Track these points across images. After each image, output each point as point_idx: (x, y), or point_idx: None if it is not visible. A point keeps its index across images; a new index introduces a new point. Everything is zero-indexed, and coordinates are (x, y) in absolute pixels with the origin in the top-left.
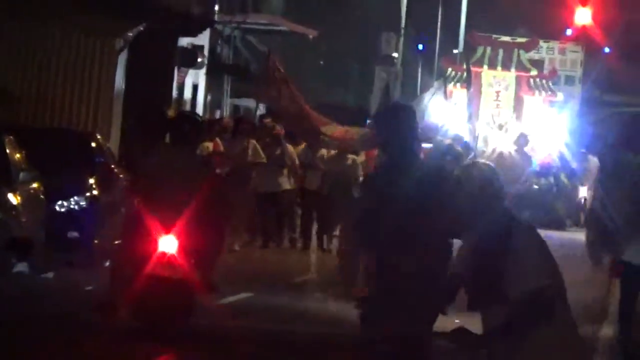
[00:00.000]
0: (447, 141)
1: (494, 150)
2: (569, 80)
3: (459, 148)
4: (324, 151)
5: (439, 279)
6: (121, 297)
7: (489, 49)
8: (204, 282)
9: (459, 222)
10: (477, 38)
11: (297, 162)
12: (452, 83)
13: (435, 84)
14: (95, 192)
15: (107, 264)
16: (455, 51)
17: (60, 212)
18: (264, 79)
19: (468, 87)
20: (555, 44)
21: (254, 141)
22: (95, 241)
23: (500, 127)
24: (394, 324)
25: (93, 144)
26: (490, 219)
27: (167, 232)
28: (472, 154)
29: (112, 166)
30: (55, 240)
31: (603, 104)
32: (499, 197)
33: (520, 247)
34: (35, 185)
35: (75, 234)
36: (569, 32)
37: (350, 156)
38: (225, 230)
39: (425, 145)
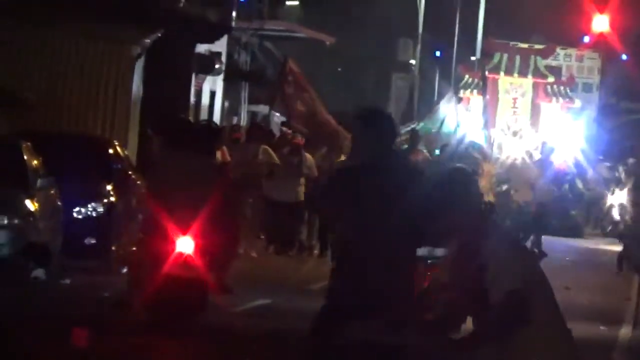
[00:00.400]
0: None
1: (508, 157)
2: (587, 87)
3: (476, 154)
4: (344, 157)
5: (402, 282)
6: (139, 294)
7: (505, 56)
8: (218, 282)
9: (436, 226)
10: (493, 44)
11: (315, 172)
12: (469, 90)
13: (450, 91)
14: (112, 199)
15: (124, 270)
16: (472, 58)
17: (77, 219)
18: (279, 84)
19: (484, 94)
20: (573, 51)
21: (265, 146)
22: (113, 247)
23: (515, 133)
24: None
25: (110, 151)
26: (466, 223)
27: (184, 233)
28: (488, 160)
29: (129, 172)
30: (72, 246)
31: (620, 111)
32: (475, 200)
33: (495, 249)
34: (52, 191)
35: (92, 240)
36: (586, 39)
37: None
38: (239, 234)
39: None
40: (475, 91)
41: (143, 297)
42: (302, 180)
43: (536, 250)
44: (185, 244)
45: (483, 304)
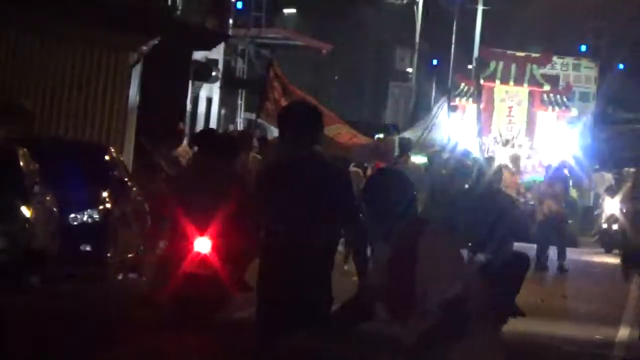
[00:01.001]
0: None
1: (499, 167)
2: (583, 96)
3: (468, 163)
4: None
5: (318, 274)
6: (162, 292)
7: (501, 64)
8: (235, 280)
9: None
10: (489, 53)
11: None
12: (465, 98)
13: (443, 98)
14: (108, 205)
15: (120, 277)
16: (470, 67)
17: (73, 225)
18: (264, 91)
19: (478, 102)
20: (570, 60)
21: (255, 154)
22: (109, 254)
23: (507, 142)
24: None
25: (106, 157)
26: (401, 225)
27: (202, 234)
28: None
29: (126, 179)
30: (68, 253)
31: (617, 121)
32: (409, 204)
33: (432, 255)
34: (48, 197)
35: (88, 247)
36: (583, 48)
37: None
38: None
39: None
40: (470, 99)
41: (166, 294)
42: None
43: (560, 262)
44: (202, 244)
45: (412, 308)
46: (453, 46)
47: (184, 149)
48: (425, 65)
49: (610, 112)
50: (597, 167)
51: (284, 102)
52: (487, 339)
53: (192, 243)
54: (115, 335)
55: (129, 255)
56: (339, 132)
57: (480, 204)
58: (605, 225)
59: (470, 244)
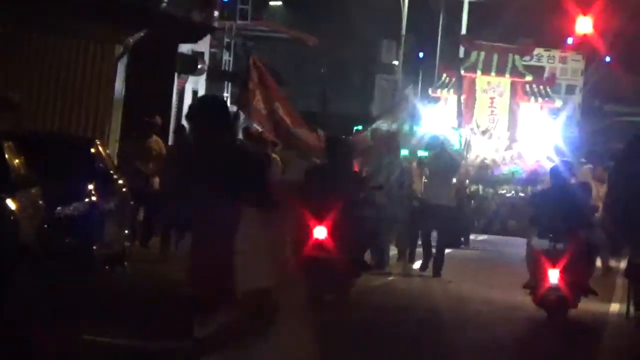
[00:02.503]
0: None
1: (477, 157)
2: (570, 89)
3: (451, 154)
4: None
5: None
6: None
7: (482, 54)
8: (352, 262)
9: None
10: (471, 43)
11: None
12: (446, 89)
13: (408, 88)
14: (94, 199)
15: (107, 268)
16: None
17: (59, 219)
18: (245, 84)
19: (458, 94)
20: (556, 53)
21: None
22: (94, 247)
23: (484, 132)
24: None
25: (92, 150)
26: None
27: (320, 223)
28: (462, 161)
29: (111, 172)
30: (54, 246)
31: (603, 114)
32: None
33: (247, 246)
34: (34, 191)
35: (74, 241)
36: (570, 40)
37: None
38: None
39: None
40: (451, 90)
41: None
42: None
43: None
44: (320, 231)
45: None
46: (440, 39)
47: (156, 141)
48: (412, 58)
49: (596, 104)
50: (583, 160)
51: (258, 95)
52: (296, 333)
53: (312, 230)
54: None
55: (115, 248)
56: (304, 135)
57: (559, 197)
58: None
59: (551, 235)
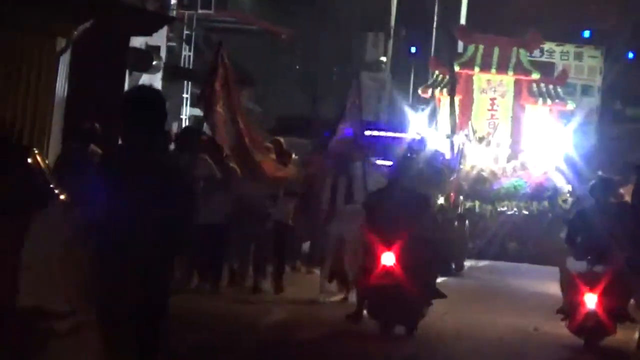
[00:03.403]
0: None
1: (473, 168)
2: (586, 90)
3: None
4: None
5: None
6: (361, 304)
7: (481, 48)
8: (422, 289)
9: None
10: (468, 34)
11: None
12: (439, 89)
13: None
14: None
15: None
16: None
17: None
18: (209, 78)
19: (452, 94)
20: (571, 48)
21: (204, 155)
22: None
23: (481, 139)
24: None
25: (29, 160)
26: None
27: (388, 249)
28: (455, 174)
29: (52, 187)
30: None
31: (625, 119)
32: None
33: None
34: None
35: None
36: (586, 34)
37: None
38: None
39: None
40: (445, 90)
41: (363, 304)
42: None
43: None
44: (388, 258)
45: None
46: (435, 31)
47: (93, 152)
48: (402, 53)
49: (617, 108)
50: (599, 172)
51: (221, 95)
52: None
53: (379, 257)
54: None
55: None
56: (261, 158)
57: (598, 218)
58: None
59: (589, 257)
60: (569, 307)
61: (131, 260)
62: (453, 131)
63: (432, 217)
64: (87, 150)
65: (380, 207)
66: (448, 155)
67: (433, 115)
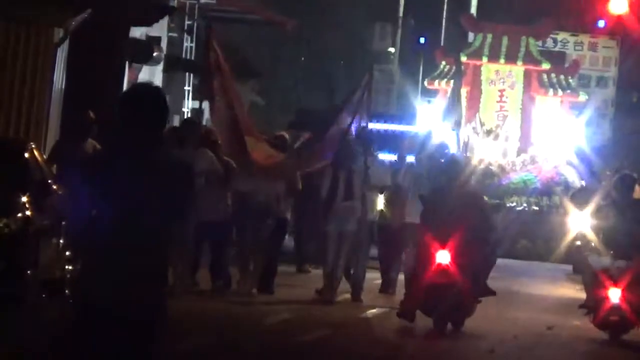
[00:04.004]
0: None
1: (481, 162)
2: (601, 81)
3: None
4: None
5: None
6: (415, 302)
7: (489, 37)
8: (476, 287)
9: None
10: (475, 23)
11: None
12: (445, 80)
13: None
14: (28, 213)
15: (44, 296)
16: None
17: None
18: (205, 66)
19: (457, 85)
20: (585, 38)
21: (205, 149)
22: (29, 272)
23: (489, 132)
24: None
25: (26, 155)
26: None
27: (443, 247)
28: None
29: (49, 181)
30: None
31: None
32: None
33: None
34: None
35: (3, 263)
36: (601, 23)
37: None
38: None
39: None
40: (452, 81)
41: (417, 302)
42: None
43: None
44: (443, 256)
45: None
46: (444, 21)
47: (92, 146)
48: (411, 45)
49: (634, 100)
50: (608, 173)
51: (217, 85)
52: None
53: (434, 256)
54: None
55: (54, 273)
56: (253, 147)
57: (623, 214)
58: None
59: (612, 252)
60: (593, 303)
61: (125, 256)
62: (458, 124)
63: (486, 216)
64: (83, 146)
65: (436, 207)
66: (454, 150)
67: (452, 106)
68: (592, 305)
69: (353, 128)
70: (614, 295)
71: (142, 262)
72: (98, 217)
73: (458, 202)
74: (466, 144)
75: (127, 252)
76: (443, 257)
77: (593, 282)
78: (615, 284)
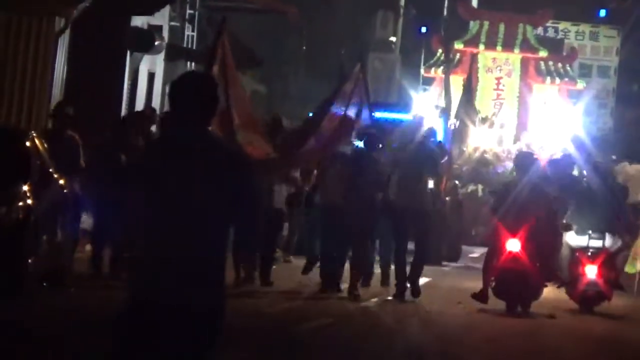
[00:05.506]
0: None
1: (476, 150)
2: (602, 71)
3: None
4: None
5: (208, 273)
6: (488, 285)
7: (486, 24)
8: (544, 273)
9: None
10: (471, 10)
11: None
12: (442, 68)
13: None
14: (29, 202)
15: (44, 285)
16: None
17: None
18: (212, 55)
19: (446, 72)
20: (586, 27)
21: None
22: (29, 261)
23: (484, 120)
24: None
25: (27, 144)
26: None
27: (514, 236)
28: (446, 157)
29: (50, 170)
30: None
31: None
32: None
33: None
34: None
35: (3, 253)
36: (602, 12)
37: None
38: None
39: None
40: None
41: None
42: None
43: None
44: (514, 244)
45: None
46: (446, 9)
47: (71, 137)
48: (412, 33)
49: (635, 89)
50: (614, 157)
51: (221, 77)
52: None
53: (505, 244)
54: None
55: (54, 262)
56: (248, 139)
57: (597, 196)
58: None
59: (589, 233)
60: (569, 277)
61: (182, 257)
62: (447, 110)
63: (551, 208)
64: (65, 135)
65: (508, 199)
66: (441, 136)
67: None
68: (569, 278)
69: (361, 121)
70: (591, 271)
71: (199, 264)
72: (147, 221)
73: (526, 194)
74: (454, 132)
75: (183, 253)
76: (514, 245)
77: (571, 258)
78: (592, 261)
